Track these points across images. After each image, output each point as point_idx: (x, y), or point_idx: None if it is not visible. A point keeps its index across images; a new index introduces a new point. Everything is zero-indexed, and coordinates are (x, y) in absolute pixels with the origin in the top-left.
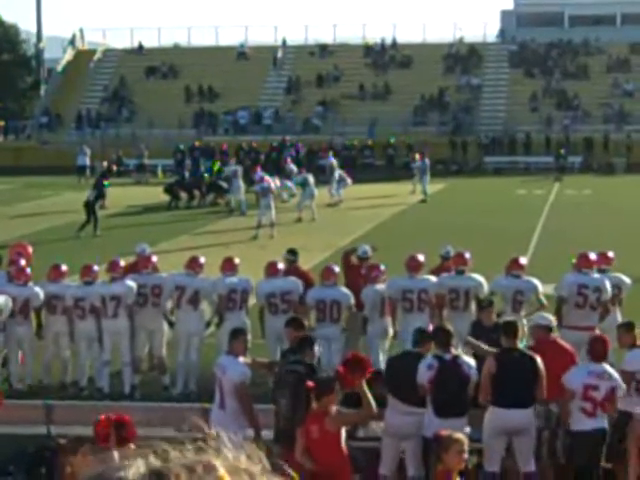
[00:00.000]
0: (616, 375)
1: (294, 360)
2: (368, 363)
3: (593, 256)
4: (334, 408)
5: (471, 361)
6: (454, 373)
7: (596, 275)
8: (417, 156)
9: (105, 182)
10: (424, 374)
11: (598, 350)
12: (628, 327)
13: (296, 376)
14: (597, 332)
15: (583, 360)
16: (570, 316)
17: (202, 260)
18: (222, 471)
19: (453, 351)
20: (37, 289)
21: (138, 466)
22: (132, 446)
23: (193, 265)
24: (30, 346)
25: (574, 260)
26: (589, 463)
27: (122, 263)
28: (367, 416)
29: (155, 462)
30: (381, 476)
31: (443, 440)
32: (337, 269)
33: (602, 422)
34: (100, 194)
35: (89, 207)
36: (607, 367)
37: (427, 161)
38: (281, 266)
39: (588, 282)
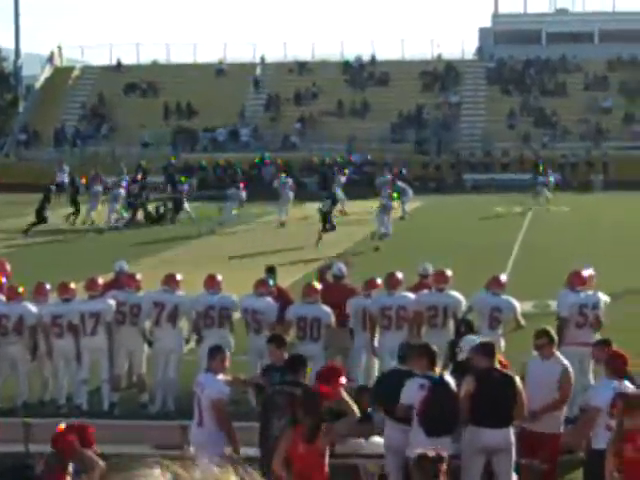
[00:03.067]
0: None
1: (289, 381)
2: (340, 370)
3: (585, 273)
4: (323, 424)
5: (452, 380)
6: (446, 392)
7: (590, 292)
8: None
9: None
10: (415, 394)
11: (619, 366)
12: (604, 344)
13: (292, 398)
14: (614, 348)
15: (579, 375)
16: (571, 335)
17: (179, 277)
18: None
19: (437, 370)
20: (30, 306)
21: None
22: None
23: (170, 282)
24: (23, 365)
25: (566, 278)
26: None
27: (100, 281)
28: (354, 420)
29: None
30: None
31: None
32: (319, 286)
33: None
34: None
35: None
36: (627, 383)
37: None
38: (270, 282)
39: (586, 300)
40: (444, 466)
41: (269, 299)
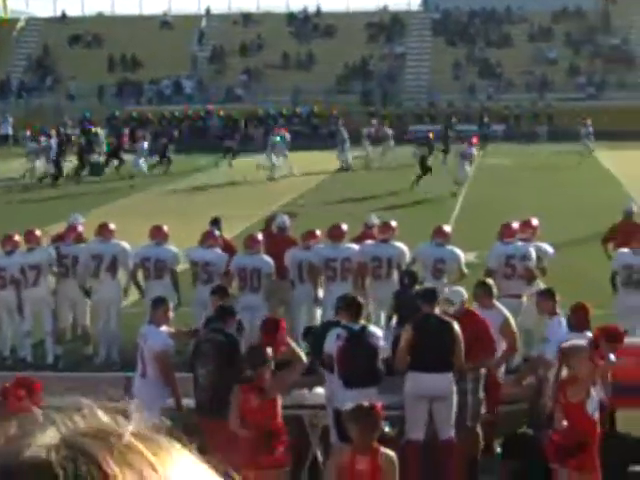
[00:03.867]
0: None
1: (213, 329)
2: (280, 320)
3: (516, 225)
4: (270, 375)
5: (379, 331)
6: (362, 344)
7: (520, 243)
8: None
9: None
10: (332, 344)
11: (581, 318)
12: (548, 294)
13: (215, 345)
14: (579, 302)
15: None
16: (500, 286)
17: (112, 226)
18: (132, 439)
19: (362, 322)
20: None
21: (46, 436)
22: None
23: (104, 231)
24: None
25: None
26: None
27: (38, 233)
28: (301, 368)
29: (64, 430)
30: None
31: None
32: (260, 237)
33: None
34: None
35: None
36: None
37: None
38: (217, 233)
39: (514, 252)
40: (380, 416)
41: (218, 250)
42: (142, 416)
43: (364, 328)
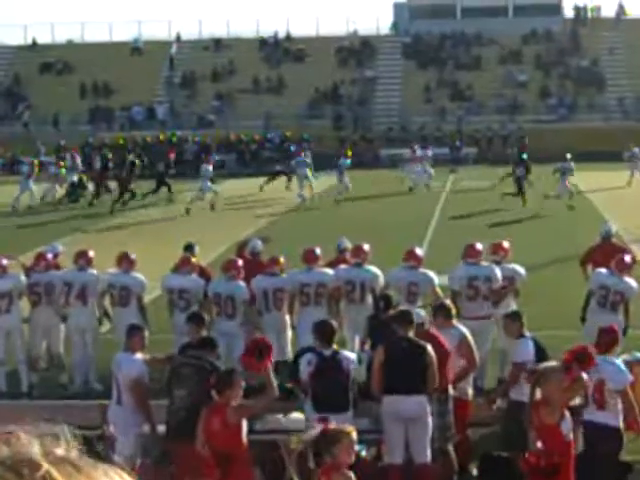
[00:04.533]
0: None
1: (193, 355)
2: (270, 347)
3: (479, 246)
4: (235, 400)
5: (351, 356)
6: (332, 368)
7: (484, 264)
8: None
9: None
10: (304, 370)
11: (607, 341)
12: (514, 317)
13: (196, 369)
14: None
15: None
16: (464, 308)
17: (91, 254)
18: (46, 465)
19: (334, 346)
20: None
21: None
22: None
23: (80, 260)
24: None
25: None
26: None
27: (5, 262)
28: (268, 401)
29: None
30: None
31: (331, 434)
32: (240, 262)
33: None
34: None
35: None
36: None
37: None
38: (193, 260)
39: (477, 273)
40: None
41: (194, 276)
42: (71, 440)
43: (335, 353)
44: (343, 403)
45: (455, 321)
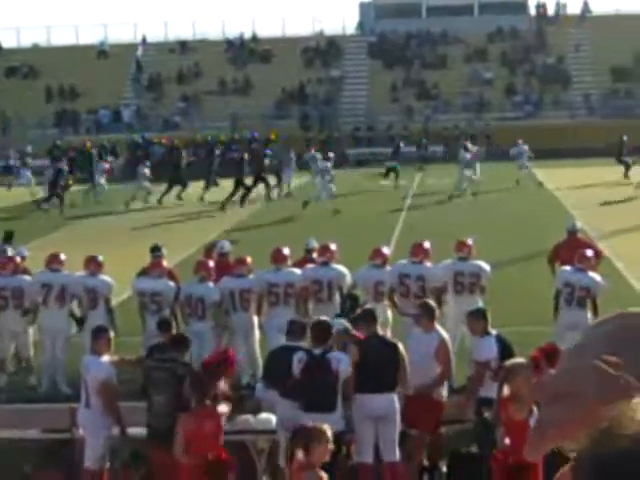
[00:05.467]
0: None
1: (169, 358)
2: (228, 359)
3: (427, 245)
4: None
5: (342, 356)
6: (321, 368)
7: (417, 263)
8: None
9: None
10: (296, 367)
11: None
12: (477, 314)
13: (169, 374)
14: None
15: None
16: (401, 304)
17: (63, 257)
18: None
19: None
20: None
21: None
22: None
23: (54, 262)
24: None
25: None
26: None
27: None
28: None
29: None
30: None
31: (308, 432)
32: (211, 264)
33: None
34: None
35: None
36: None
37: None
38: (165, 264)
39: (411, 272)
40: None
41: (165, 279)
42: None
43: (325, 352)
44: (330, 403)
45: (436, 324)
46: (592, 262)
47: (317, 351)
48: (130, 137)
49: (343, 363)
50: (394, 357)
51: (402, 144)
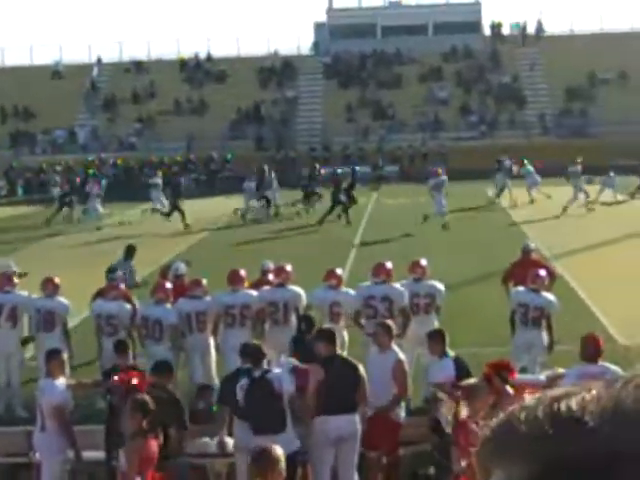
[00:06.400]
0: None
1: (156, 384)
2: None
3: (389, 265)
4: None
5: (284, 374)
6: (263, 390)
7: (382, 284)
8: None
9: None
10: (239, 394)
11: (590, 350)
12: (437, 336)
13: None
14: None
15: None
16: (368, 326)
17: (15, 278)
18: None
19: (264, 366)
20: None
21: None
22: None
23: (5, 283)
24: None
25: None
26: None
27: None
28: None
29: None
30: None
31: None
32: (168, 285)
33: None
34: None
35: None
36: (607, 365)
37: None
38: (122, 286)
39: (375, 293)
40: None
41: (122, 302)
42: None
43: (265, 373)
44: (277, 424)
45: (393, 344)
46: (545, 282)
47: (257, 373)
48: (85, 158)
49: (285, 382)
50: (355, 378)
51: (317, 166)
